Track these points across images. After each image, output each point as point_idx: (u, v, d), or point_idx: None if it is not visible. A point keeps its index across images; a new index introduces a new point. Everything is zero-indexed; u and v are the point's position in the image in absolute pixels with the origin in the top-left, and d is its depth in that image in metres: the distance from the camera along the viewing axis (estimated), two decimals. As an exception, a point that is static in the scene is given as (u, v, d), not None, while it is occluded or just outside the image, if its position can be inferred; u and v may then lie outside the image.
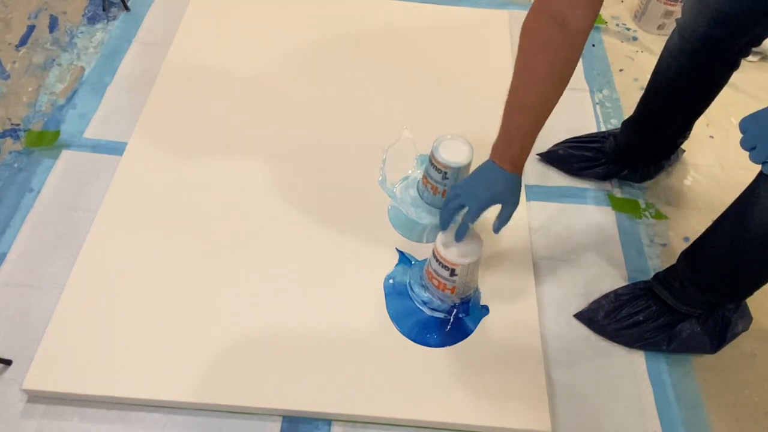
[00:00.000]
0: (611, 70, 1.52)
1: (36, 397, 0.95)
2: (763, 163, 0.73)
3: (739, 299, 1.05)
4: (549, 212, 1.24)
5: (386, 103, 1.37)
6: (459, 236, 0.95)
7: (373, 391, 0.96)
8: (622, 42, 1.61)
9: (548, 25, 0.80)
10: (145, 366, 0.97)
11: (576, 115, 1.41)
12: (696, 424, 0.99)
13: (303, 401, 0.95)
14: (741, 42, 1.00)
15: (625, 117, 1.27)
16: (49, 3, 1.56)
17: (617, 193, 1.28)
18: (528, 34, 0.84)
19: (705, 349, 1.05)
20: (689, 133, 1.25)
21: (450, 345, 1.02)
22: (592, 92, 1.46)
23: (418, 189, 1.16)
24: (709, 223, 0.96)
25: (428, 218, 1.14)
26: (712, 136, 1.40)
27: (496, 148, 0.91)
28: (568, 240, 1.20)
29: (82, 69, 1.43)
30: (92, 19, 1.55)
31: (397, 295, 1.07)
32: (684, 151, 1.33)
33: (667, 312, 1.05)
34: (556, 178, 1.29)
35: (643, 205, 1.26)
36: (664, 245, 1.21)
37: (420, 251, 1.12)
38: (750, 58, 1.30)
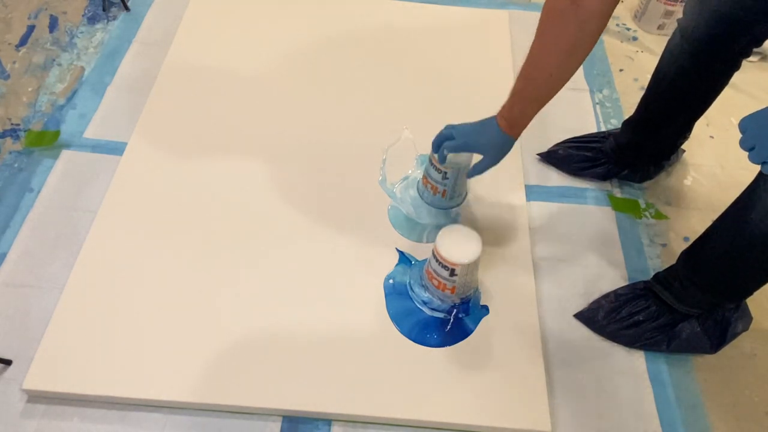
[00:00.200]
0: (611, 70, 1.52)
1: (36, 397, 0.95)
2: (763, 163, 0.73)
3: (739, 299, 1.04)
4: (549, 212, 1.23)
5: (386, 103, 1.37)
6: (441, 159, 1.03)
7: (373, 391, 0.96)
8: (622, 42, 1.61)
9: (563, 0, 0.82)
10: (145, 366, 0.97)
11: (576, 115, 1.41)
12: (696, 424, 0.99)
13: (303, 401, 0.95)
14: (742, 42, 1.00)
15: (625, 117, 1.27)
16: (49, 3, 1.56)
17: (617, 193, 1.28)
18: (546, 3, 0.85)
19: (705, 349, 1.05)
20: (689, 134, 1.25)
21: (450, 345, 1.02)
22: (592, 92, 1.46)
23: (418, 189, 1.16)
24: (709, 223, 0.96)
25: (428, 218, 1.14)
26: (712, 136, 1.40)
27: (503, 107, 0.96)
28: (568, 240, 1.20)
29: (82, 69, 1.43)
30: (92, 19, 1.55)
31: (397, 295, 1.07)
32: (684, 151, 1.33)
33: (667, 312, 1.05)
34: (556, 178, 1.29)
35: (643, 205, 1.26)
36: (664, 245, 1.21)
37: (420, 251, 1.12)
38: (750, 58, 1.29)
